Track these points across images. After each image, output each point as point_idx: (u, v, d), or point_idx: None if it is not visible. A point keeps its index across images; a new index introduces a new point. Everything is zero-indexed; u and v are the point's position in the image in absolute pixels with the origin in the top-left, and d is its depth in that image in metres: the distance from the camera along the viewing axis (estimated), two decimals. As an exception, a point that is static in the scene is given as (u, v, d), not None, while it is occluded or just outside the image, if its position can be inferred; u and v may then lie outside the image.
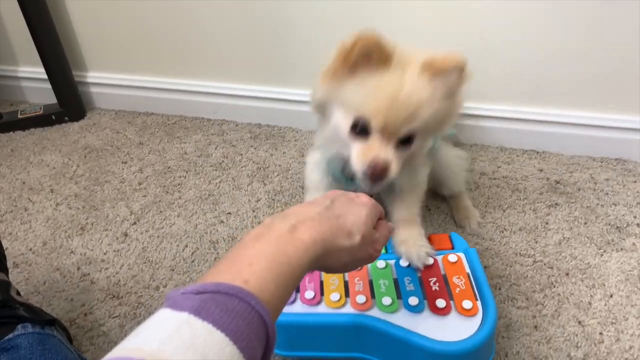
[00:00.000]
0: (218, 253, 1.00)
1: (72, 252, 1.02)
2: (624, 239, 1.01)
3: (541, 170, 1.21)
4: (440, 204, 1.11)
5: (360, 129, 0.72)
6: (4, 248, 0.84)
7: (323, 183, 0.92)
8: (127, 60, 1.43)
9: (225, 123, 1.41)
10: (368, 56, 0.69)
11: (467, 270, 0.81)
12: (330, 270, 0.57)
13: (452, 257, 0.82)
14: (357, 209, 0.58)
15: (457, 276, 0.79)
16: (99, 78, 1.47)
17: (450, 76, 0.70)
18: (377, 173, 0.71)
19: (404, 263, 0.82)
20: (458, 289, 0.77)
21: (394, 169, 0.72)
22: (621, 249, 0.99)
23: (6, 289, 0.75)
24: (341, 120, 0.74)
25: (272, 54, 1.31)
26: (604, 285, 0.92)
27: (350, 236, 0.55)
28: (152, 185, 1.19)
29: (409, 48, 0.73)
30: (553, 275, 0.94)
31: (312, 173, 0.93)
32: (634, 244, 1.00)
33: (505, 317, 0.87)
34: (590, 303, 0.89)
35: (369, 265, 0.82)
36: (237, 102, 1.39)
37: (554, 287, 0.92)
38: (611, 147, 1.23)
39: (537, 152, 1.27)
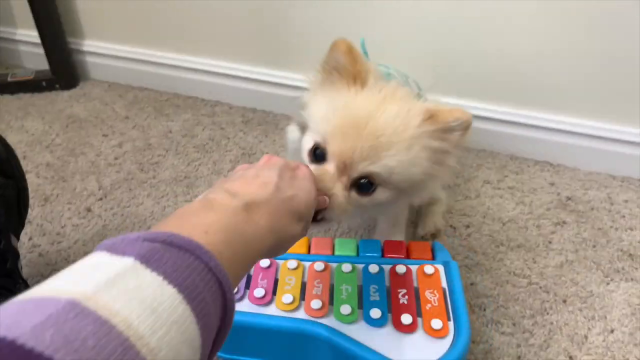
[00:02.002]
0: (182, 239, 0.92)
1: (29, 221, 0.94)
2: (636, 269, 0.89)
3: (552, 184, 1.09)
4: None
5: (317, 155, 0.62)
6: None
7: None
8: (125, 30, 1.36)
9: (218, 104, 1.34)
10: (339, 69, 0.61)
11: (444, 285, 0.70)
12: (270, 256, 0.48)
13: (429, 269, 0.72)
14: (305, 186, 0.50)
15: (431, 290, 0.69)
16: (96, 47, 1.40)
17: (450, 133, 0.59)
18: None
19: (373, 269, 0.72)
20: (429, 305, 0.67)
21: (335, 204, 0.59)
22: (631, 279, 0.88)
23: (15, 260, 0.71)
24: (306, 141, 0.65)
25: (274, 35, 1.22)
26: (606, 318, 0.81)
27: (300, 220, 0.48)
28: (128, 162, 1.11)
29: (393, 82, 0.64)
30: (548, 301, 0.83)
31: (291, 131, 0.85)
32: (647, 275, 0.88)
33: (485, 343, 0.77)
34: (586, 337, 0.78)
35: (333, 266, 0.72)
36: (234, 83, 1.31)
37: (547, 314, 0.81)
38: (635, 165, 1.10)
39: (551, 165, 1.15)
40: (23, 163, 1.08)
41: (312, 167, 0.61)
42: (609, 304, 0.83)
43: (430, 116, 0.59)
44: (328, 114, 0.61)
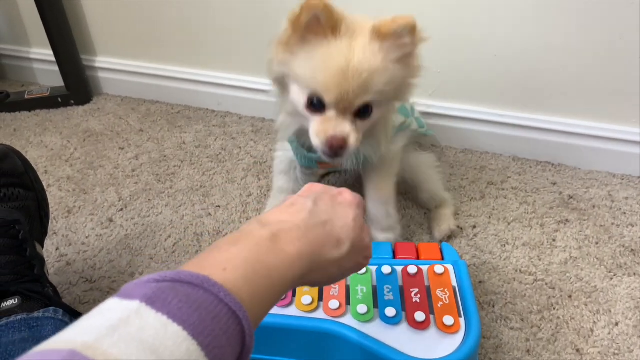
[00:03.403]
0: (201, 246, 0.96)
1: (54, 233, 0.99)
2: (638, 263, 0.93)
3: (554, 184, 1.12)
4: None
5: (316, 104, 0.71)
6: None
7: (290, 167, 0.94)
8: (136, 46, 1.41)
9: (228, 115, 1.38)
10: (316, 23, 0.67)
11: (454, 283, 0.74)
12: (316, 284, 0.50)
13: (439, 269, 0.75)
14: (343, 212, 0.50)
15: (442, 289, 0.73)
16: (108, 63, 1.45)
17: (401, 39, 0.68)
18: (335, 148, 0.70)
19: (386, 270, 0.76)
20: (441, 303, 0.71)
21: (352, 141, 0.71)
22: (634, 273, 0.91)
23: (42, 266, 0.75)
24: (297, 96, 0.72)
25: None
26: (610, 311, 0.84)
27: (339, 245, 0.48)
28: (145, 173, 1.16)
29: (359, 16, 0.70)
30: (554, 297, 0.87)
31: (278, 160, 0.95)
32: (649, 269, 0.92)
33: (495, 338, 0.80)
34: (592, 330, 0.82)
35: (348, 269, 0.76)
36: (242, 94, 1.35)
37: (554, 309, 0.85)
38: (635, 163, 1.14)
39: (552, 165, 1.18)
40: (45, 177, 1.13)
41: (317, 117, 0.71)
42: (613, 298, 0.87)
43: (378, 32, 0.67)
44: (315, 69, 0.68)
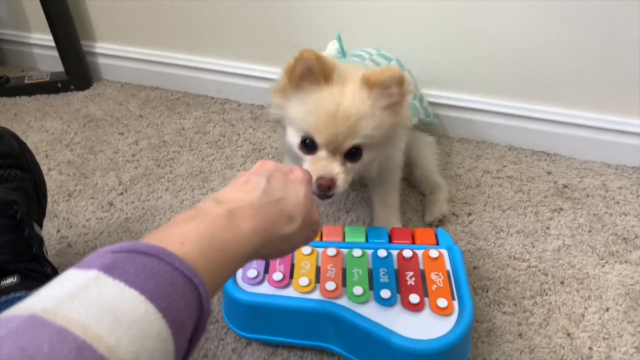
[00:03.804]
0: (200, 230, 0.98)
1: (55, 215, 1.00)
2: (630, 252, 0.95)
3: (549, 173, 1.14)
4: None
5: (308, 144, 0.75)
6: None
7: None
8: (136, 32, 1.41)
9: (227, 102, 1.39)
10: (310, 72, 0.71)
11: (448, 267, 0.76)
12: (268, 258, 0.53)
13: (434, 253, 0.77)
14: (295, 189, 0.53)
15: (436, 273, 0.74)
16: (108, 49, 1.45)
17: (389, 89, 0.72)
18: (323, 188, 0.73)
19: (381, 254, 0.77)
20: (435, 286, 0.72)
21: (340, 183, 0.74)
22: (625, 261, 0.93)
23: (40, 245, 0.76)
24: (292, 137, 0.77)
25: (276, 35, 1.27)
26: (601, 297, 0.86)
27: (291, 221, 0.50)
28: (145, 158, 1.17)
29: (350, 66, 0.77)
30: (547, 283, 0.89)
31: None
32: (640, 257, 0.93)
33: (488, 322, 0.82)
34: (583, 315, 0.83)
35: (344, 252, 0.78)
36: (242, 81, 1.36)
37: (546, 295, 0.87)
38: (629, 154, 1.15)
39: (548, 154, 1.20)
40: (45, 161, 1.14)
41: (309, 157, 0.75)
42: (604, 284, 0.88)
43: (367, 81, 0.71)
44: (308, 112, 0.73)
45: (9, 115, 1.33)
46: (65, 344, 0.28)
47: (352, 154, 0.75)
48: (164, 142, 1.22)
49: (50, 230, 0.96)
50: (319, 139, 0.73)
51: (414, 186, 1.08)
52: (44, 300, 0.31)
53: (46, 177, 1.08)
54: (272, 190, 0.50)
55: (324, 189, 0.73)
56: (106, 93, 1.43)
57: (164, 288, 0.34)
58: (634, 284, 0.88)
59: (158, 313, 0.33)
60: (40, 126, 1.28)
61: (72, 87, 1.43)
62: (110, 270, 0.34)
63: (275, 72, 1.30)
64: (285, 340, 0.74)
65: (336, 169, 0.74)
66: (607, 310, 0.84)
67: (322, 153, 0.74)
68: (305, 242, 0.56)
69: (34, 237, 0.74)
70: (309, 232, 0.54)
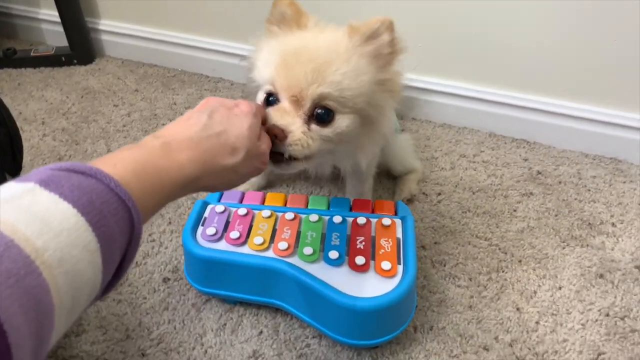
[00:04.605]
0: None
1: (43, 178, 1.06)
2: (593, 237, 0.96)
3: (526, 160, 1.16)
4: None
5: (271, 101, 0.66)
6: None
7: None
8: (138, 11, 1.47)
9: (221, 81, 1.43)
10: (283, 19, 0.68)
11: (399, 235, 0.79)
12: (214, 189, 0.55)
13: (386, 221, 0.80)
14: (238, 121, 0.54)
15: (386, 239, 0.77)
16: (111, 26, 1.51)
17: (377, 37, 0.64)
18: (271, 139, 0.61)
19: (337, 220, 0.81)
20: (382, 251, 0.76)
21: (295, 138, 0.62)
22: (587, 245, 0.94)
23: None
24: (259, 97, 0.69)
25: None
26: (556, 277, 0.88)
27: (234, 153, 0.52)
28: (135, 129, 1.22)
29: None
30: (504, 261, 0.91)
31: None
32: (603, 242, 0.95)
33: (441, 293, 0.85)
34: (535, 292, 0.86)
35: (302, 217, 0.81)
36: (236, 61, 1.40)
37: (502, 272, 0.89)
38: (607, 145, 1.16)
39: (527, 142, 1.21)
40: (41, 127, 1.20)
41: (268, 109, 0.64)
42: (561, 265, 0.90)
43: (353, 30, 0.64)
44: (271, 56, 0.66)
45: (13, 84, 1.40)
46: None
47: (321, 116, 0.63)
48: (155, 115, 1.27)
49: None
50: (279, 85, 0.64)
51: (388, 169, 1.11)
52: None
53: (40, 142, 1.15)
54: (213, 124, 0.52)
55: (272, 138, 0.61)
56: (107, 68, 1.49)
57: (97, 205, 0.36)
58: (591, 266, 0.90)
59: (88, 226, 0.35)
60: (41, 96, 1.35)
61: (75, 61, 1.49)
62: (46, 184, 0.35)
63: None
64: (240, 296, 0.78)
65: (294, 123, 0.63)
66: (560, 288, 0.86)
67: (284, 103, 0.64)
68: (254, 173, 0.58)
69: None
70: (256, 163, 0.56)
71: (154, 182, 0.44)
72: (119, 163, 0.42)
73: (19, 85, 1.39)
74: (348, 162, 0.80)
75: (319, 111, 0.64)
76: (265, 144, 0.59)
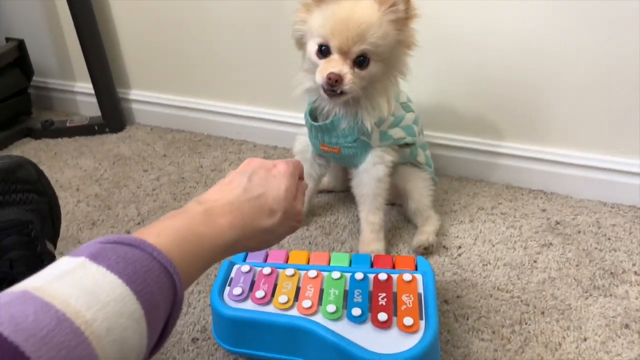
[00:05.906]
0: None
1: (79, 242, 1.12)
2: (616, 286, 0.96)
3: (544, 211, 1.17)
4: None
5: (324, 50, 0.87)
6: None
7: (306, 148, 1.09)
8: (165, 80, 1.57)
9: (245, 143, 1.50)
10: None
11: (420, 290, 0.81)
12: (251, 250, 0.59)
13: (407, 277, 0.82)
14: (276, 183, 0.58)
15: (407, 294, 0.79)
16: (140, 95, 1.62)
17: (397, 5, 0.84)
18: (331, 82, 0.84)
19: (358, 276, 0.83)
20: (404, 307, 0.77)
21: (347, 79, 0.85)
22: (610, 294, 0.94)
23: (51, 261, 0.83)
24: (311, 47, 0.89)
25: (288, 82, 1.39)
26: (581, 328, 0.88)
27: (272, 215, 0.56)
28: (164, 192, 1.28)
29: None
30: (527, 312, 0.91)
31: (298, 141, 1.12)
32: (626, 291, 0.95)
33: (465, 347, 0.85)
34: (560, 344, 0.85)
35: (324, 274, 0.84)
36: (258, 124, 1.48)
37: (526, 324, 0.89)
38: (625, 193, 1.17)
39: (545, 193, 1.23)
40: (76, 194, 1.27)
41: (322, 61, 0.86)
42: (585, 316, 0.90)
43: (380, 1, 0.84)
44: (326, 19, 0.85)
45: (50, 154, 1.49)
46: (47, 314, 0.33)
47: (360, 62, 0.86)
48: (183, 178, 1.34)
49: (72, 253, 1.07)
50: (332, 42, 0.84)
51: (408, 220, 1.14)
52: (36, 280, 0.37)
53: (74, 208, 1.22)
54: (253, 187, 0.56)
55: (332, 82, 0.84)
56: (137, 135, 1.58)
57: (141, 273, 0.39)
58: (616, 316, 0.90)
59: (133, 295, 0.38)
60: (75, 163, 1.43)
61: (107, 129, 1.59)
62: (95, 257, 0.39)
63: (288, 115, 1.43)
64: (266, 354, 0.80)
65: (345, 69, 0.85)
66: (585, 340, 0.86)
67: (335, 56, 0.86)
68: (289, 232, 0.61)
69: (46, 253, 0.84)
70: (292, 222, 0.60)
71: (194, 249, 0.47)
72: (162, 233, 0.45)
73: (56, 155, 1.48)
74: (369, 117, 0.94)
75: (360, 59, 0.86)
76: (300, 203, 0.63)
